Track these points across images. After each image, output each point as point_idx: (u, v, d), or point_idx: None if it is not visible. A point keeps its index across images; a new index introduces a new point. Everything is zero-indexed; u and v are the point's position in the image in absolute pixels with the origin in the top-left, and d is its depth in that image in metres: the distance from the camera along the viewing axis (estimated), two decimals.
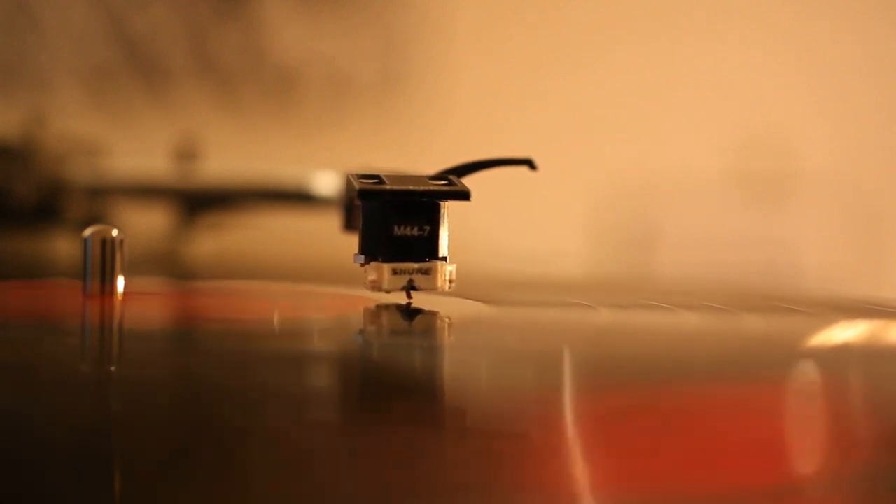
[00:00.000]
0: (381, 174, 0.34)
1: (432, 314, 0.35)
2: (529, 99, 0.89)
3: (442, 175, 0.35)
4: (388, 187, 0.33)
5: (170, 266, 0.58)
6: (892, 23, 0.88)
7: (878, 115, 0.88)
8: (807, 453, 0.22)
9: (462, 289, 0.35)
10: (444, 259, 0.34)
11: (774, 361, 0.30)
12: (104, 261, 0.34)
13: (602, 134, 0.87)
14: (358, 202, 0.34)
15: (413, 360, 0.30)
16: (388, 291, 0.34)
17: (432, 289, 0.34)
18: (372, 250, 0.34)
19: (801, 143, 0.86)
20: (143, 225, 0.62)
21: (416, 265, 0.34)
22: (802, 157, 0.86)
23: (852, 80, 0.88)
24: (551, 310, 0.40)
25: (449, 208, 0.34)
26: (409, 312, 0.35)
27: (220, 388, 0.25)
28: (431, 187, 0.34)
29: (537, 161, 0.36)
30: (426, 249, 0.34)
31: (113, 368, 0.28)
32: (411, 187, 0.34)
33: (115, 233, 0.35)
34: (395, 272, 0.34)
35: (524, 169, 0.36)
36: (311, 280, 0.48)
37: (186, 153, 0.64)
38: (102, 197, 0.64)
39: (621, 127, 0.88)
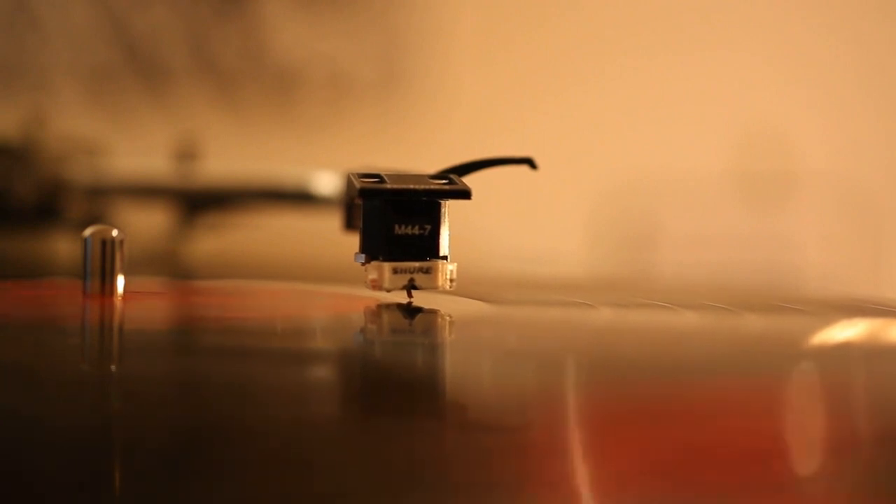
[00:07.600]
0: (382, 173, 0.34)
1: (433, 313, 0.35)
2: (530, 99, 0.89)
3: (443, 174, 0.35)
4: (388, 186, 0.33)
5: (170, 266, 0.58)
6: (891, 24, 0.88)
7: (877, 116, 0.88)
8: (807, 452, 0.22)
9: (463, 288, 0.35)
10: (445, 258, 0.34)
11: (774, 361, 0.30)
12: (104, 261, 0.34)
13: (602, 134, 0.87)
14: (358, 201, 0.34)
15: (414, 359, 0.30)
16: (388, 290, 0.34)
17: (433, 288, 0.34)
18: (373, 249, 0.34)
19: (801, 143, 0.86)
20: (143, 225, 0.62)
21: (416, 264, 0.34)
22: (802, 157, 0.86)
23: (852, 80, 0.88)
24: (552, 309, 0.40)
25: (450, 207, 0.34)
26: (410, 311, 0.34)
27: (220, 387, 0.25)
28: (432, 186, 0.34)
29: (538, 160, 0.36)
30: (427, 248, 0.34)
31: (113, 368, 0.28)
32: (412, 186, 0.34)
33: (115, 233, 0.35)
34: (395, 271, 0.34)
35: (525, 168, 0.36)
36: (312, 280, 0.48)
37: (186, 153, 0.64)
38: (102, 197, 0.64)
39: (622, 127, 0.88)
